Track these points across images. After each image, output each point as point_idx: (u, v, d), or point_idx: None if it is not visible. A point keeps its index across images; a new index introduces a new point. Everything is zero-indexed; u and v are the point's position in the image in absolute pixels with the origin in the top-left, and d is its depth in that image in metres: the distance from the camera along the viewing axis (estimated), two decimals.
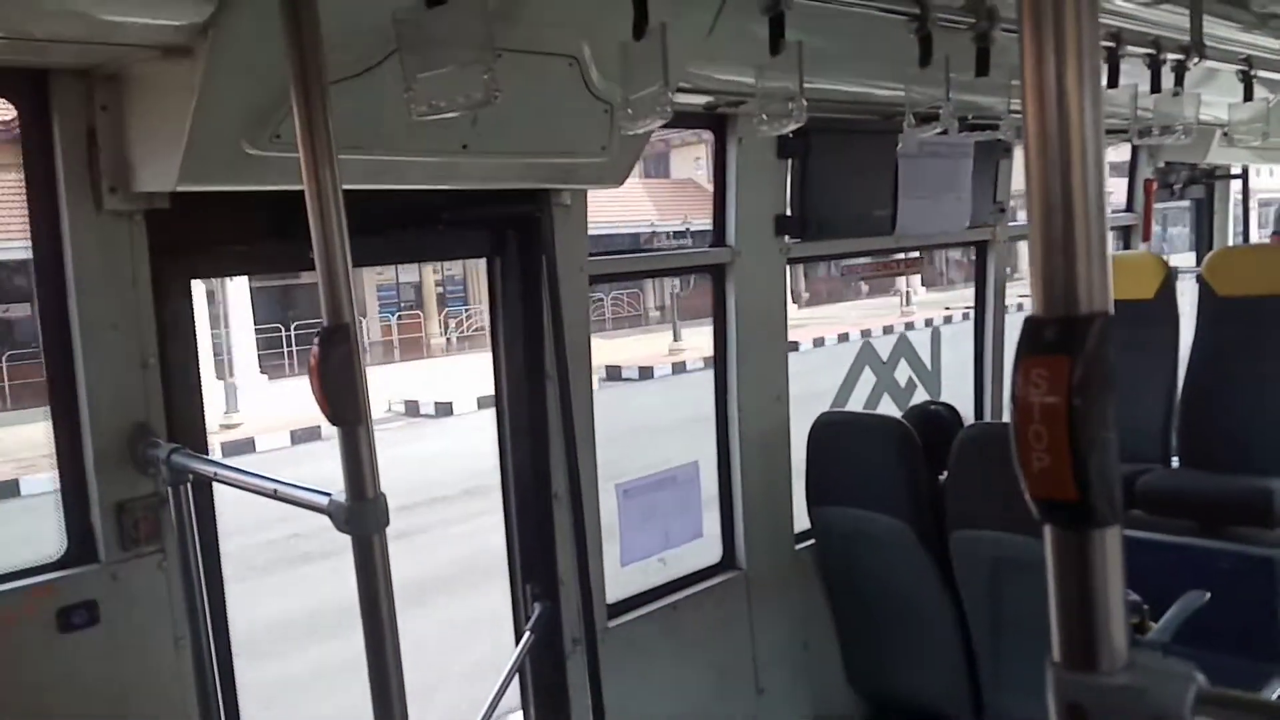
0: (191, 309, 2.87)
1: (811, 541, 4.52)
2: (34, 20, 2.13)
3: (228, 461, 2.53)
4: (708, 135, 4.18)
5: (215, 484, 2.66)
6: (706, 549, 4.36)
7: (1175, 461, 5.22)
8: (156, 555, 2.71)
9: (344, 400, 1.69)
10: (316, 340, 1.69)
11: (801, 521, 4.52)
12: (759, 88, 2.92)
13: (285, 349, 27.12)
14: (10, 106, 2.56)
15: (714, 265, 4.23)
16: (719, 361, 4.33)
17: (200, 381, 2.91)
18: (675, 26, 2.49)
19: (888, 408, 5.55)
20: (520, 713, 3.68)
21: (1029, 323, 0.93)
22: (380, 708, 1.78)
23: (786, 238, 4.31)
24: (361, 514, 1.73)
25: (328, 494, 1.84)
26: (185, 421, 2.79)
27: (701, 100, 3.75)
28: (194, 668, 2.72)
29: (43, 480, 15.08)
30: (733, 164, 4.09)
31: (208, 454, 2.79)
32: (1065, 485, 0.89)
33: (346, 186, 1.74)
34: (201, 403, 2.90)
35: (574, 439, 3.57)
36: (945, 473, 4.09)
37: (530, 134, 2.87)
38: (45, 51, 2.37)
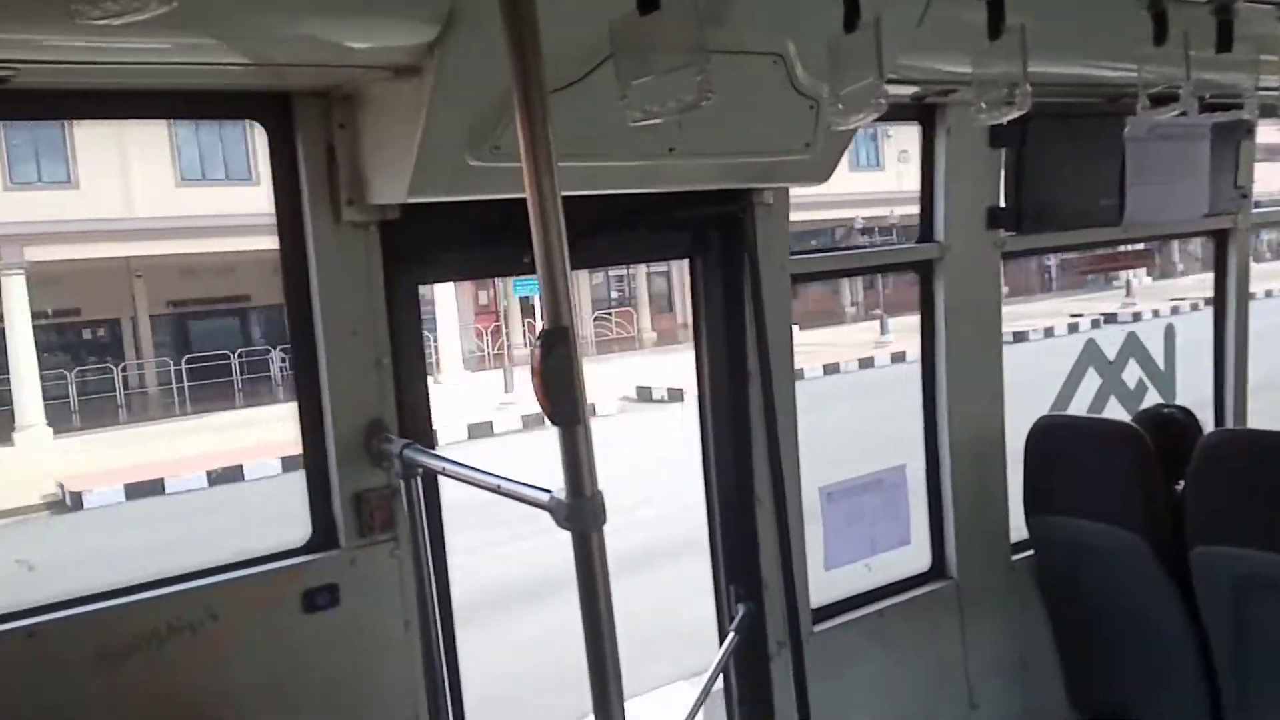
0: (419, 312, 3.06)
1: (1030, 552, 4.29)
2: (277, 47, 2.33)
3: (454, 457, 2.67)
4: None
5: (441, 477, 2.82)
6: (915, 556, 4.23)
7: None
8: (389, 543, 2.91)
9: (564, 401, 1.75)
10: (538, 342, 1.76)
11: (1018, 530, 4.30)
12: (976, 75, 2.80)
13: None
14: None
15: (921, 261, 4.08)
16: (927, 361, 4.18)
17: (426, 380, 3.09)
18: (885, 17, 2.42)
19: (1114, 411, 5.18)
20: (725, 713, 3.69)
21: None
22: (599, 699, 1.82)
23: (1001, 231, 4.11)
24: (580, 511, 1.78)
25: (548, 491, 1.91)
26: (414, 417, 2.97)
27: (909, 91, 3.63)
28: (421, 648, 2.89)
29: (263, 465, 16.77)
30: (941, 155, 3.94)
31: (434, 448, 2.96)
32: None
33: (563, 193, 1.80)
34: (428, 400, 3.07)
35: (777, 439, 3.54)
36: (1181, 483, 3.78)
37: (734, 134, 2.87)
38: (288, 76, 2.59)
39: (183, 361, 26.27)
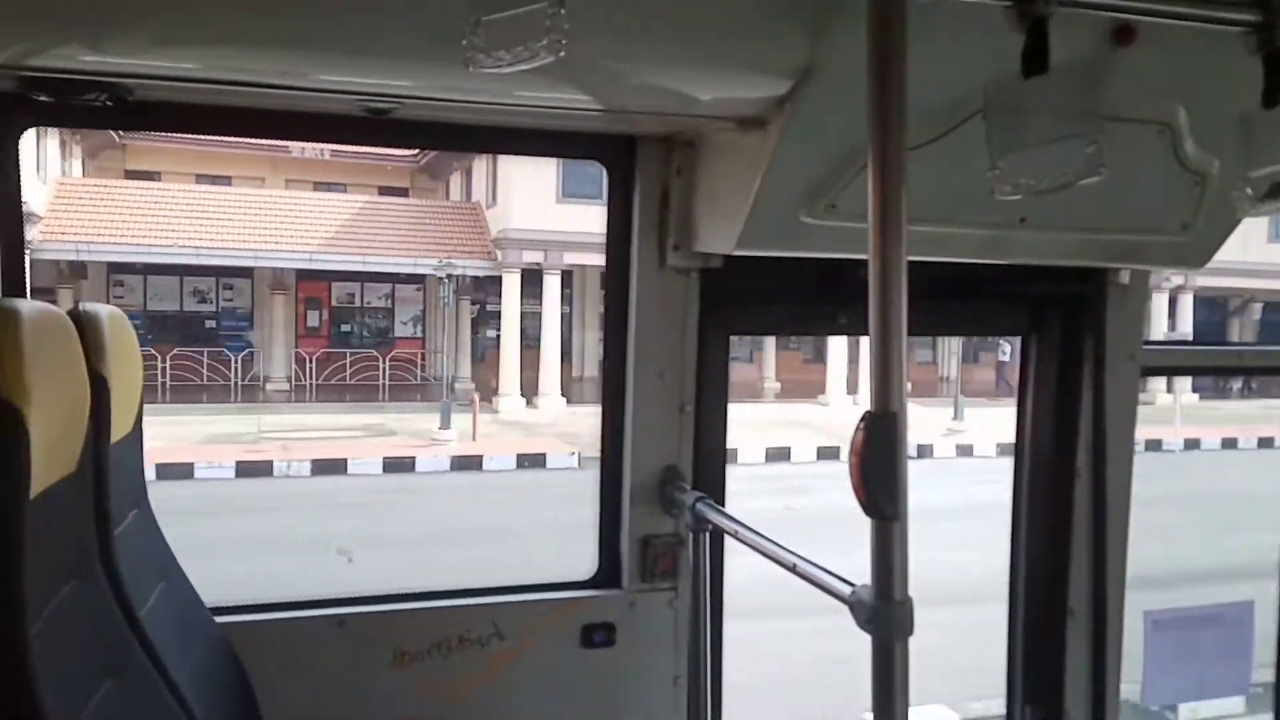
0: (727, 362, 3.01)
1: None
2: (629, 96, 2.37)
3: (747, 522, 2.58)
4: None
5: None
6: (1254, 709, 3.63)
7: None
8: (669, 592, 2.87)
9: (883, 492, 1.60)
10: (861, 425, 1.62)
11: None
12: None
13: None
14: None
15: None
16: None
17: (726, 431, 3.03)
18: None
19: None
20: None
21: None
22: None
23: None
24: (886, 616, 1.62)
25: (852, 585, 1.77)
26: (710, 468, 2.92)
27: None
28: (688, 707, 2.82)
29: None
30: None
31: (725, 502, 2.89)
32: None
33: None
34: (724, 451, 3.01)
35: (1105, 549, 3.14)
36: None
37: (1098, 207, 2.57)
38: (635, 122, 2.64)
39: None
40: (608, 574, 2.89)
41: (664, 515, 2.85)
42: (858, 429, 1.60)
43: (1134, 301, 3.17)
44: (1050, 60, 1.87)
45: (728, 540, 2.80)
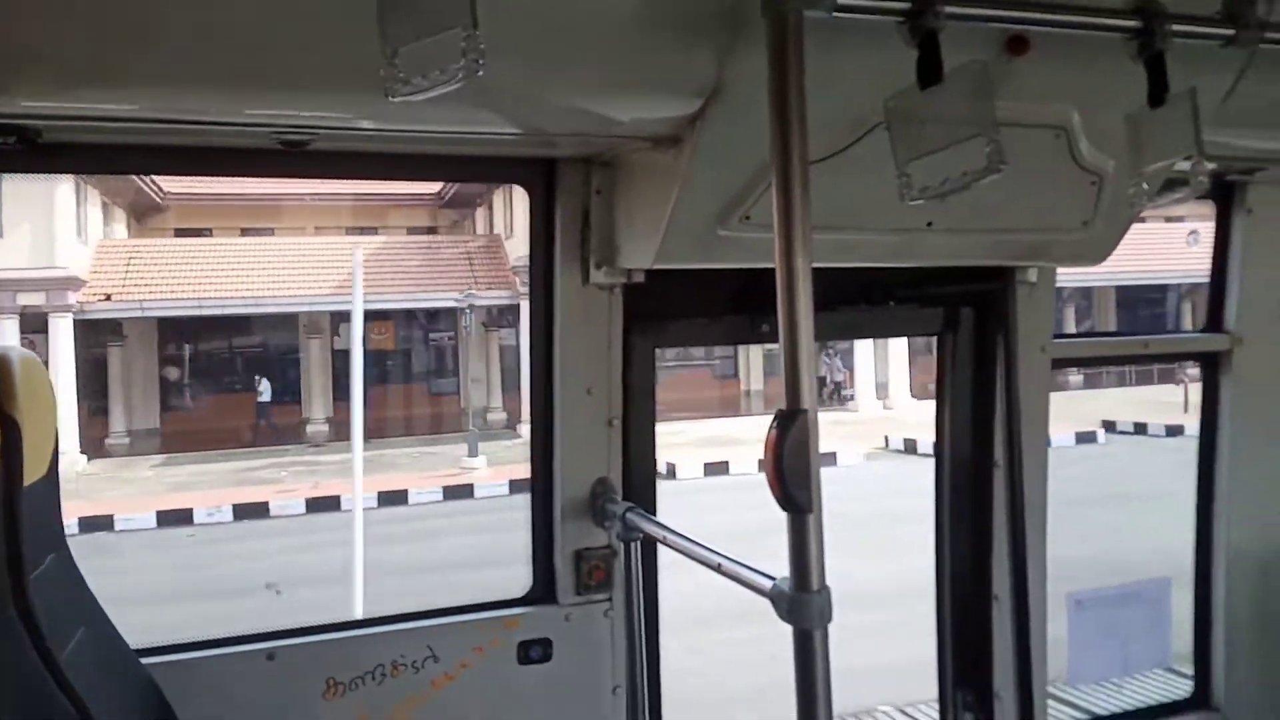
0: (653, 375, 3.05)
1: None
2: (546, 118, 2.41)
3: (675, 527, 2.63)
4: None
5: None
6: (1171, 681, 3.78)
7: None
8: (604, 604, 2.90)
9: (797, 486, 1.66)
10: (774, 421, 1.68)
11: None
12: None
13: None
14: (519, 189, 2.93)
15: (1205, 353, 3.68)
16: (1204, 462, 3.74)
17: (654, 443, 3.08)
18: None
19: None
20: None
21: None
22: None
23: None
24: (805, 606, 1.67)
25: (772, 578, 1.82)
26: (639, 480, 2.96)
27: (1208, 168, 3.29)
28: (628, 717, 2.84)
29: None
30: (1238, 238, 3.54)
31: (656, 513, 2.94)
32: None
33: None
34: (654, 463, 3.06)
35: (1023, 537, 3.26)
36: None
37: (1001, 209, 2.68)
38: (554, 144, 2.67)
39: None
40: (543, 589, 2.90)
41: (596, 528, 2.88)
42: (770, 427, 1.66)
43: (1041, 297, 3.29)
44: (945, 71, 1.96)
45: (664, 551, 2.85)
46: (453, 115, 2.25)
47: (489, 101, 2.18)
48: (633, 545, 2.79)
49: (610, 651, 2.91)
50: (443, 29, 1.57)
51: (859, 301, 3.08)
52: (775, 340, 1.70)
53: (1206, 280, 3.75)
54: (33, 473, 1.95)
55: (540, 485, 2.91)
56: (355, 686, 2.70)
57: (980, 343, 3.30)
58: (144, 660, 2.38)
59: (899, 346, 27.68)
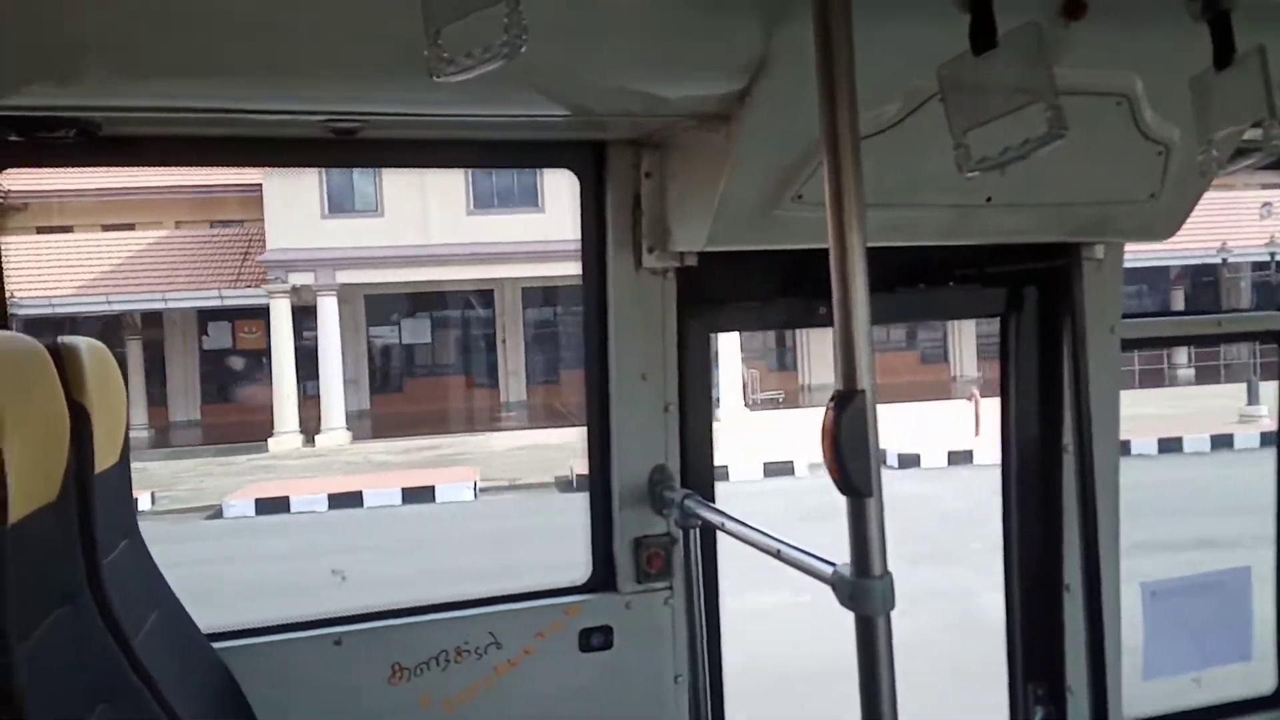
0: (709, 360, 3.03)
1: None
2: (596, 99, 2.40)
3: (735, 514, 2.60)
4: None
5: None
6: (1257, 676, 3.63)
7: None
8: (664, 591, 2.88)
9: (856, 469, 1.62)
10: (831, 403, 1.64)
11: None
12: None
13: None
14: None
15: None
16: None
17: (712, 428, 3.05)
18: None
19: None
20: None
21: None
22: None
23: None
24: (867, 592, 1.63)
25: (833, 564, 1.78)
26: (697, 466, 2.94)
27: None
28: (689, 705, 2.82)
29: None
30: None
31: (714, 499, 2.90)
32: None
33: (869, 244, 1.68)
34: (712, 448, 3.03)
35: (1095, 522, 3.15)
36: None
37: (1064, 182, 2.59)
38: (602, 127, 2.67)
39: None
40: (602, 577, 2.90)
41: (655, 515, 2.86)
42: (827, 408, 1.62)
43: (1110, 275, 3.18)
44: (999, 35, 1.89)
45: (723, 537, 2.82)
46: (498, 97, 2.25)
47: (533, 82, 2.18)
48: (691, 533, 2.77)
49: (671, 640, 2.89)
50: (485, 5, 1.56)
51: (917, 283, 3.01)
52: (831, 324, 1.66)
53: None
54: (104, 460, 1.99)
55: (599, 472, 2.90)
56: (420, 672, 2.73)
57: (1046, 324, 3.21)
58: (215, 645, 2.43)
59: (731, 346, 25.26)
